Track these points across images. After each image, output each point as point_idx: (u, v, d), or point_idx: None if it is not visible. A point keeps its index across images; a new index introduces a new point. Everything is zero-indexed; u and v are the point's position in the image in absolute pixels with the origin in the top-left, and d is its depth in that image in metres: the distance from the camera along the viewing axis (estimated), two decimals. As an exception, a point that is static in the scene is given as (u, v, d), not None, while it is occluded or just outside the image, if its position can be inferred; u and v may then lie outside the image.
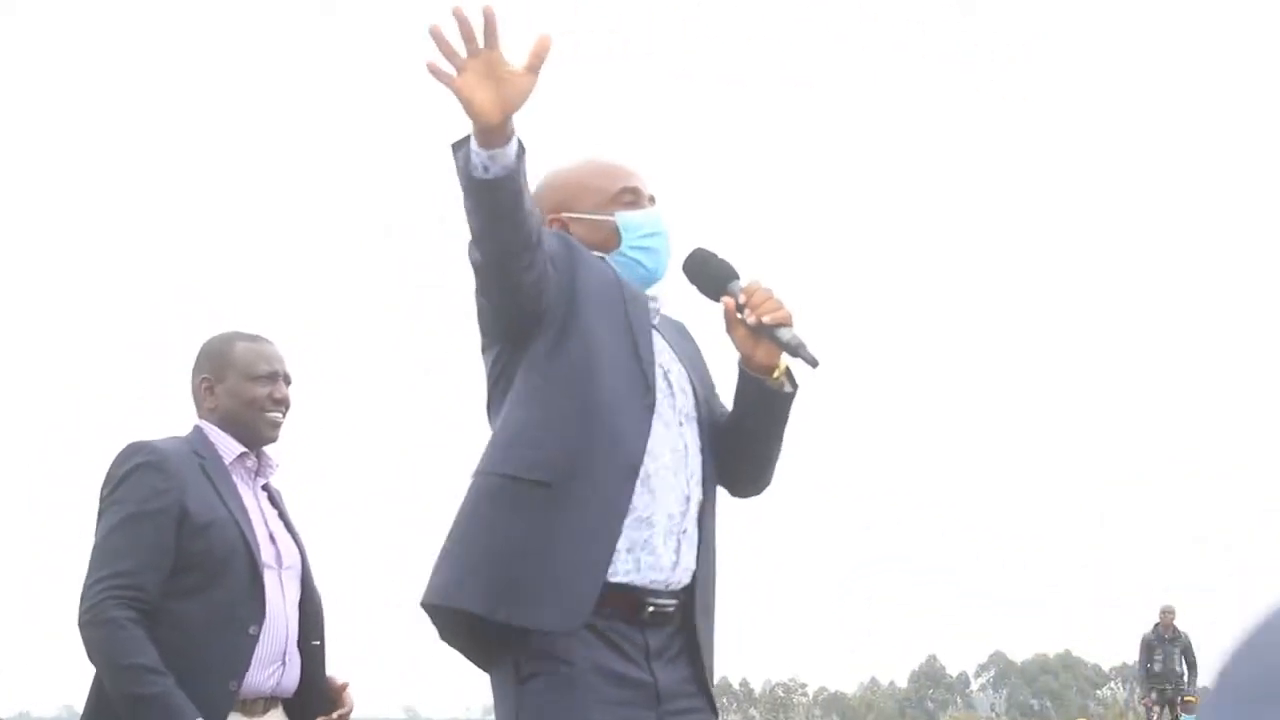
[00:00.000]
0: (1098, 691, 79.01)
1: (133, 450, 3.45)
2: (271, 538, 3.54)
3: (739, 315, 2.87)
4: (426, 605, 2.70)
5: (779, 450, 3.00)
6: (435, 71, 2.49)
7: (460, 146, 2.58)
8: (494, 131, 2.51)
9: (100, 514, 3.45)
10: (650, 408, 2.81)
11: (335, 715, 3.57)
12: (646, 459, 2.74)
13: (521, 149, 2.56)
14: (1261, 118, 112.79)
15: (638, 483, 2.71)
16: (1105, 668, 77.66)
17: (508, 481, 2.70)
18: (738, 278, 2.91)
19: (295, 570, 3.59)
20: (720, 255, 2.95)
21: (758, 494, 3.04)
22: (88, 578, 3.36)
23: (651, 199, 2.97)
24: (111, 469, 3.45)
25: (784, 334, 2.86)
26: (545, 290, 2.70)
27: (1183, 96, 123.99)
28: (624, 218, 2.91)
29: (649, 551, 2.70)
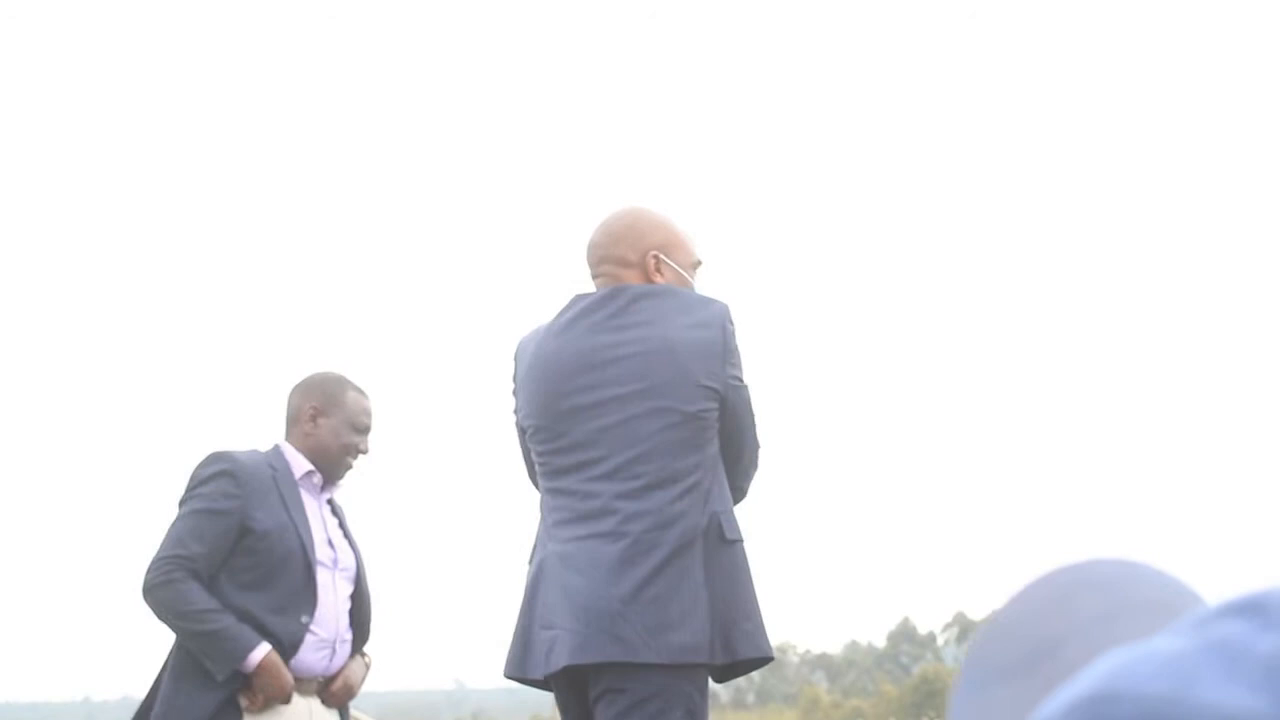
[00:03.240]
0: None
1: (215, 458, 3.75)
2: (330, 543, 3.82)
3: None
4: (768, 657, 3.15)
5: None
6: None
7: None
8: None
9: (179, 505, 3.73)
10: None
11: (332, 685, 3.82)
12: None
13: None
14: (1262, 117, 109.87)
15: None
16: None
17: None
18: None
19: (350, 573, 3.87)
20: None
21: None
22: (156, 554, 3.66)
23: None
24: (196, 471, 3.75)
25: None
26: None
27: (1183, 96, 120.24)
28: (697, 286, 3.36)
29: None
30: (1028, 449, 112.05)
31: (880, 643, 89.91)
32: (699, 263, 3.38)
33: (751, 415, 3.30)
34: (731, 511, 3.20)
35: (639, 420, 3.15)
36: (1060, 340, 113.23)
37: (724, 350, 3.21)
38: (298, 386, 3.94)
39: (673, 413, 3.15)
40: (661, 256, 3.30)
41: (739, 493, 3.32)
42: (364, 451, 3.91)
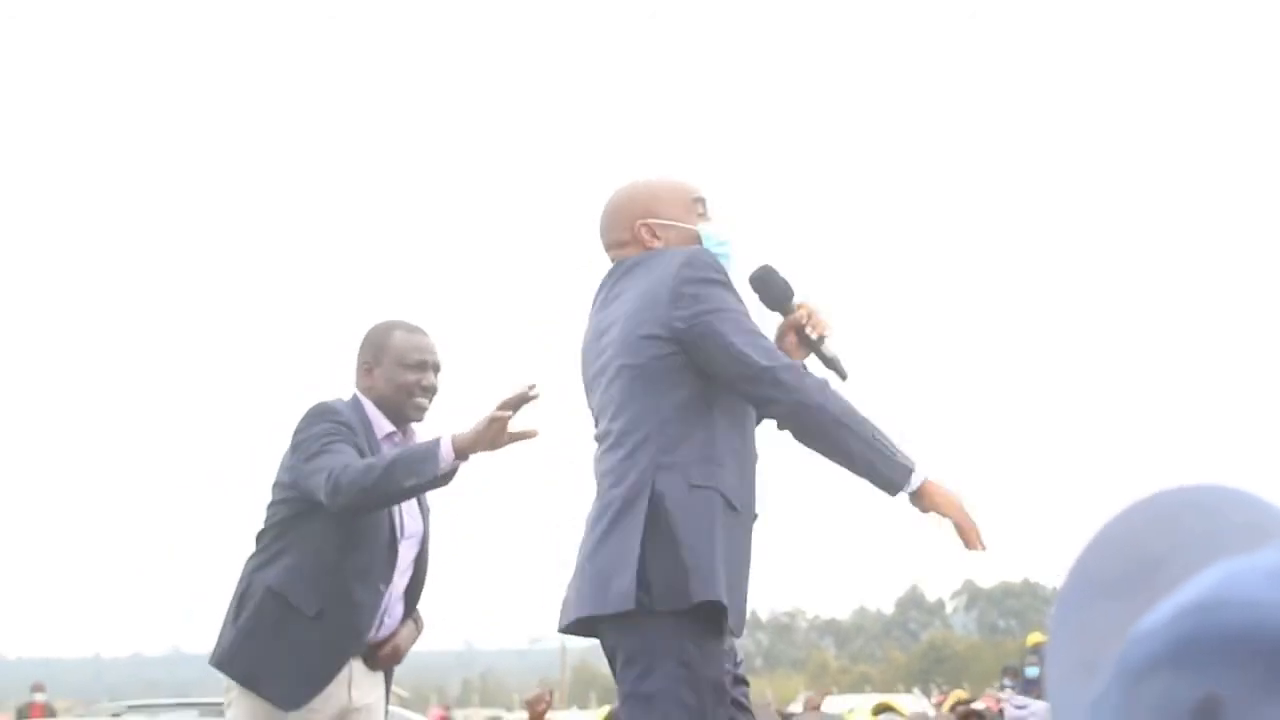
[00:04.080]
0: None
1: (327, 409, 3.79)
2: (401, 509, 3.83)
3: (804, 329, 3.33)
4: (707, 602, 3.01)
5: None
6: None
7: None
8: None
9: (300, 443, 3.74)
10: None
11: (381, 649, 3.86)
12: None
13: None
14: (1262, 116, 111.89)
15: None
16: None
17: (721, 500, 3.09)
18: (793, 295, 3.32)
19: (415, 539, 3.91)
20: (780, 273, 3.32)
21: None
22: (318, 479, 3.61)
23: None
24: (310, 417, 3.78)
25: (827, 349, 3.32)
26: None
27: (1183, 95, 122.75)
28: (704, 227, 3.29)
29: None
30: (1039, 418, 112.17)
31: (889, 609, 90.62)
32: (698, 199, 3.36)
33: (721, 340, 3.13)
34: (703, 460, 3.11)
35: (609, 385, 3.21)
36: (1059, 320, 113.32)
37: (670, 295, 3.15)
38: (358, 350, 3.96)
39: (626, 370, 3.18)
40: (650, 222, 3.31)
41: (769, 403, 3.15)
42: (428, 386, 3.88)
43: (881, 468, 3.10)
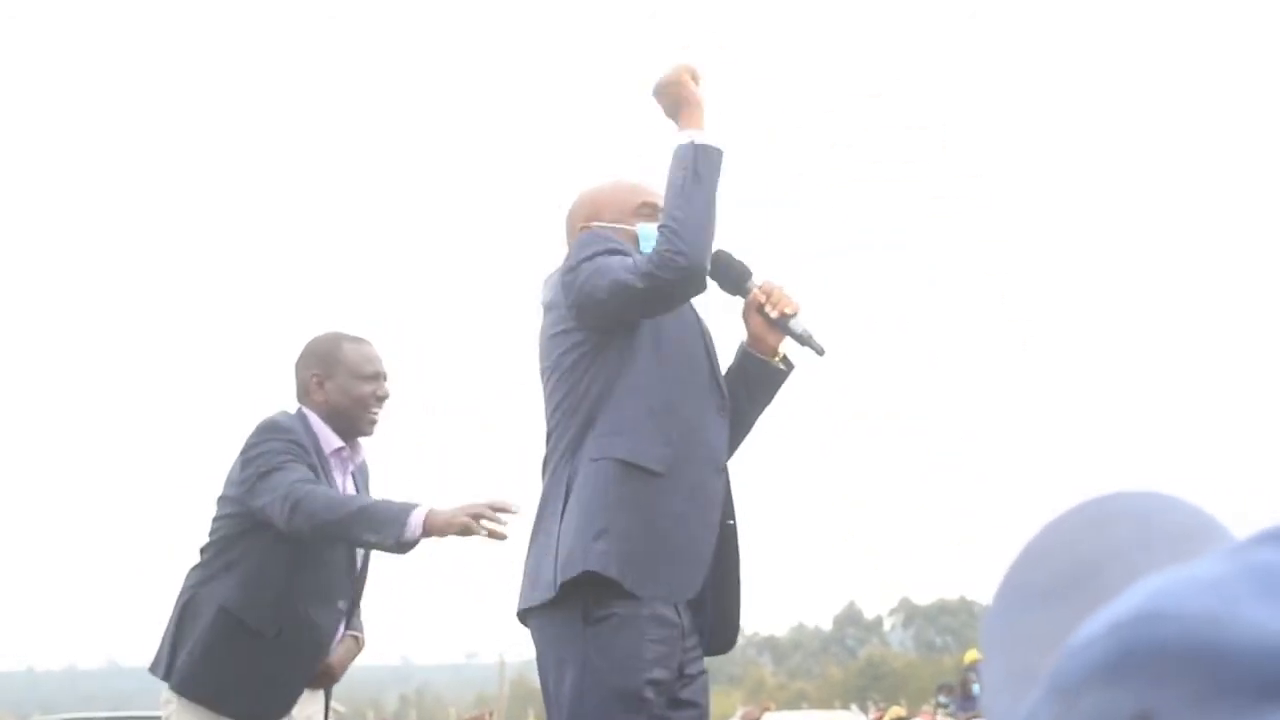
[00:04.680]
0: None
1: (280, 426, 3.71)
2: None
3: (764, 309, 3.22)
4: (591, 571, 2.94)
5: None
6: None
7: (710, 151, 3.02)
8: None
9: (252, 459, 3.65)
10: (724, 411, 3.19)
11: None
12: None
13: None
14: (1261, 116, 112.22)
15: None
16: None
17: (625, 468, 3.02)
18: (752, 275, 3.26)
19: (358, 552, 3.83)
20: (737, 256, 3.25)
21: (731, 456, 3.24)
22: (273, 496, 3.54)
23: None
24: (262, 432, 3.70)
25: (796, 326, 3.20)
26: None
27: (1183, 95, 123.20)
28: (642, 228, 3.19)
29: None
30: (977, 435, 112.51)
31: (827, 626, 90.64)
32: (646, 202, 3.27)
33: (584, 287, 3.10)
34: (607, 433, 3.09)
35: (544, 395, 3.25)
36: (1015, 333, 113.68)
37: (562, 288, 3.16)
38: (298, 360, 3.88)
39: (544, 373, 3.23)
40: (594, 226, 3.25)
41: (647, 277, 3.03)
42: (383, 396, 3.82)
43: None
